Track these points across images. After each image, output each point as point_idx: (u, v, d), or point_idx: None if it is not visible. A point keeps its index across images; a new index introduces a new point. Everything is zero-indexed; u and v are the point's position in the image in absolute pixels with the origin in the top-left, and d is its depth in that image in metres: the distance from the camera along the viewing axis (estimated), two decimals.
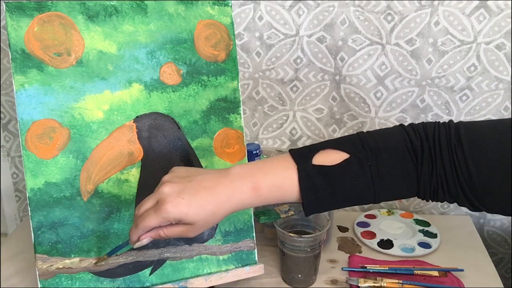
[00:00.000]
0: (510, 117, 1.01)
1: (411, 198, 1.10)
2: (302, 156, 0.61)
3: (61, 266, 0.72)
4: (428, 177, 0.58)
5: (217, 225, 0.79)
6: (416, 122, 1.03)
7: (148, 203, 0.60)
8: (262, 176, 0.59)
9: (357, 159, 0.59)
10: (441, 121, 0.60)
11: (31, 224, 0.70)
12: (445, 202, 0.60)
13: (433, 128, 0.59)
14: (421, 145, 0.58)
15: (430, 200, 0.60)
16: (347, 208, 1.13)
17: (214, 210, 0.58)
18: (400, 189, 0.60)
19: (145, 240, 0.61)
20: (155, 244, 0.76)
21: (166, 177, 0.61)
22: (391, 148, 0.59)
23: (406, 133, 0.60)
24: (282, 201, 0.62)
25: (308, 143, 1.11)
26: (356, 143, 0.60)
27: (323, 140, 1.09)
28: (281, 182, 0.60)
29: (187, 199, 0.57)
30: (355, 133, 0.62)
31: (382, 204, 1.12)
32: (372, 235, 0.99)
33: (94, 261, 0.73)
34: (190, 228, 0.59)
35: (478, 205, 0.57)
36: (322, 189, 0.59)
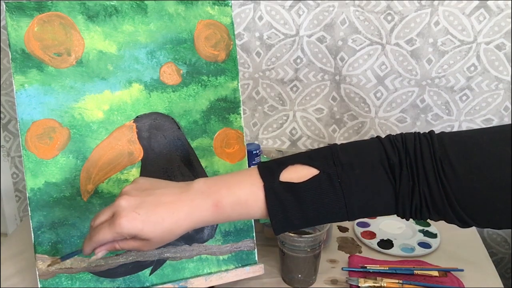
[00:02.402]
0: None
1: None
2: (269, 171, 0.57)
3: (61, 266, 0.72)
4: (407, 195, 0.54)
5: (217, 225, 0.79)
6: (416, 122, 1.04)
7: (104, 215, 0.58)
8: (225, 192, 0.56)
9: (327, 175, 0.55)
10: (422, 132, 0.56)
11: (31, 224, 0.70)
12: (430, 220, 0.56)
13: (413, 140, 0.54)
14: (399, 161, 0.54)
15: (412, 219, 0.56)
16: None
17: (171, 227, 0.55)
18: (375, 207, 0.56)
19: (100, 254, 0.58)
20: None
21: (125, 189, 0.58)
22: (364, 163, 0.55)
23: (383, 147, 0.55)
24: (247, 218, 0.59)
25: (308, 143, 1.11)
26: (327, 158, 0.56)
27: (323, 140, 1.10)
28: (245, 198, 0.56)
29: (143, 215, 0.54)
30: (327, 145, 0.58)
31: None
32: (372, 235, 0.99)
33: (48, 263, 0.69)
34: (145, 244, 0.56)
35: (468, 220, 0.54)
36: (290, 207, 0.55)
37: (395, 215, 0.56)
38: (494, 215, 0.52)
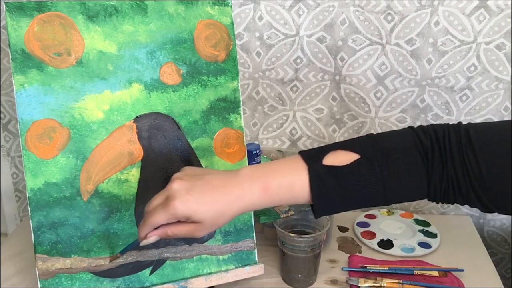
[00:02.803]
0: (511, 117, 1.01)
1: None
2: (312, 156, 0.60)
3: (61, 266, 0.72)
4: (438, 177, 0.58)
5: None
6: (416, 122, 1.04)
7: (158, 199, 0.59)
8: (272, 177, 0.59)
9: (367, 160, 0.59)
10: (450, 123, 0.60)
11: (31, 224, 0.70)
12: (456, 204, 0.59)
13: (442, 129, 0.59)
14: (431, 146, 0.58)
15: (440, 202, 0.60)
16: None
17: (223, 210, 0.58)
18: (411, 190, 0.60)
19: (151, 239, 0.60)
20: (155, 244, 0.76)
21: (176, 175, 0.60)
22: (401, 148, 0.59)
23: (416, 134, 0.60)
24: (292, 202, 0.61)
25: (308, 143, 1.11)
26: (366, 144, 0.60)
27: (323, 140, 1.10)
28: (291, 182, 0.59)
29: (196, 197, 0.57)
30: (365, 135, 0.63)
31: None
32: (372, 235, 0.99)
33: (107, 261, 0.73)
34: (198, 227, 0.58)
35: (489, 205, 0.57)
36: (332, 189, 0.59)
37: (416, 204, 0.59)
38: None
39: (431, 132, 0.59)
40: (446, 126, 0.59)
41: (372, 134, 0.63)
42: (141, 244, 0.62)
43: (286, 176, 0.59)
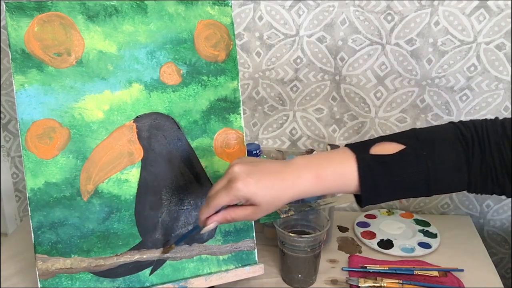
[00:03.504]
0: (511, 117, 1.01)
1: (411, 198, 1.10)
2: (359, 147, 0.64)
3: (61, 266, 0.72)
4: (478, 167, 0.61)
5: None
6: (416, 122, 1.04)
7: (220, 183, 0.63)
8: (324, 165, 0.63)
9: (413, 150, 0.62)
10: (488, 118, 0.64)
11: (31, 224, 0.70)
12: (494, 195, 0.62)
13: (480, 123, 0.63)
14: (471, 136, 0.61)
15: (478, 193, 0.63)
16: (347, 208, 1.14)
17: (279, 194, 0.61)
18: (453, 179, 0.62)
19: (212, 225, 0.64)
20: (155, 244, 0.76)
21: (235, 161, 0.64)
22: (443, 139, 0.62)
23: (456, 127, 0.64)
24: (341, 191, 0.64)
25: (308, 143, 1.11)
26: (410, 136, 0.64)
27: (323, 140, 1.10)
28: (341, 171, 0.62)
29: (255, 180, 0.60)
30: (408, 129, 0.66)
31: (382, 204, 1.12)
32: (372, 235, 0.99)
33: (160, 252, 0.76)
34: (255, 210, 0.62)
35: None
36: (379, 177, 0.61)
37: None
38: None
39: (471, 125, 0.63)
40: (484, 120, 0.63)
41: (415, 128, 0.66)
42: (202, 231, 0.65)
43: (336, 165, 0.63)
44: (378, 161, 0.62)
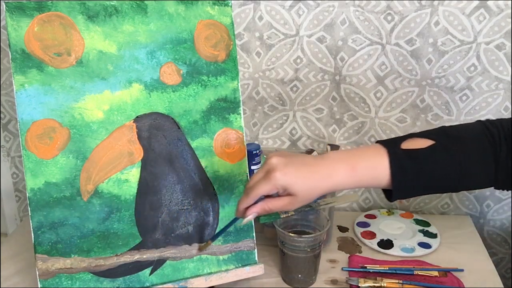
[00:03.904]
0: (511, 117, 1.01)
1: (411, 198, 1.10)
2: (390, 142, 0.66)
3: (61, 266, 0.72)
4: (505, 162, 0.62)
5: (217, 225, 0.79)
6: (416, 122, 1.04)
7: (258, 175, 0.65)
8: (357, 159, 0.65)
9: (442, 145, 0.64)
10: None
11: (31, 224, 0.70)
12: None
13: (507, 121, 0.65)
14: (498, 133, 0.64)
15: (505, 189, 0.65)
16: (347, 208, 1.14)
17: (315, 185, 0.64)
18: (481, 175, 0.64)
19: (251, 216, 0.66)
20: (155, 244, 0.76)
21: (272, 153, 0.66)
22: (472, 135, 0.65)
23: (483, 124, 0.66)
24: (373, 184, 0.66)
25: (308, 143, 1.11)
26: (439, 133, 0.66)
27: (323, 140, 1.10)
28: (374, 163, 0.64)
29: (293, 170, 0.63)
30: (436, 127, 0.68)
31: (382, 204, 1.12)
32: (372, 235, 0.99)
33: (196, 248, 0.77)
34: (292, 200, 0.64)
35: None
36: (410, 171, 0.63)
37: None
38: None
39: (497, 123, 0.65)
40: (511, 118, 0.66)
41: (444, 126, 0.68)
42: (243, 223, 0.67)
43: (369, 159, 0.65)
44: (409, 155, 0.64)
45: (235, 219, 0.72)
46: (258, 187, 0.64)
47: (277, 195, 0.65)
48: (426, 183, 0.65)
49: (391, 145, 0.65)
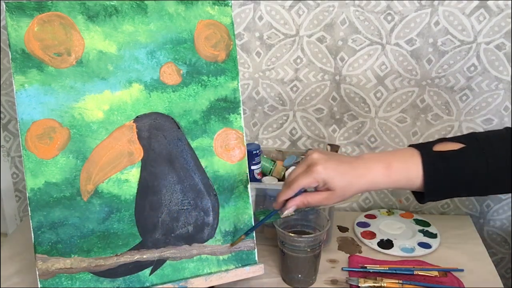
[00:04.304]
0: (496, 125, 1.01)
1: (411, 198, 1.10)
2: (422, 145, 0.69)
3: (61, 266, 0.72)
4: None
5: (217, 225, 0.79)
6: (416, 122, 1.04)
7: (299, 169, 0.69)
8: (391, 159, 0.68)
9: (473, 148, 0.66)
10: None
11: (31, 224, 0.70)
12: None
13: None
14: None
15: None
16: (347, 208, 1.14)
17: (353, 181, 0.67)
18: (509, 179, 0.66)
19: (291, 209, 0.70)
20: (155, 244, 0.76)
21: (312, 150, 0.70)
22: (500, 140, 0.67)
23: (510, 128, 0.70)
24: (406, 185, 0.68)
25: (308, 143, 1.11)
26: (470, 137, 0.69)
27: (323, 140, 1.10)
28: (408, 164, 0.67)
29: (333, 165, 0.67)
30: (466, 133, 0.72)
31: (382, 204, 1.12)
32: (372, 235, 0.99)
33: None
34: (330, 195, 0.68)
35: None
36: (442, 171, 0.66)
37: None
38: None
39: None
40: None
41: (473, 131, 0.72)
42: (283, 215, 0.71)
43: (403, 159, 0.68)
44: (440, 156, 0.66)
45: (273, 212, 0.74)
46: (299, 180, 0.68)
47: (315, 191, 0.69)
48: (457, 184, 0.66)
49: (423, 147, 0.68)
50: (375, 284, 0.82)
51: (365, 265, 0.88)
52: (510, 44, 0.96)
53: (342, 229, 1.03)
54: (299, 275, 0.83)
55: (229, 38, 0.79)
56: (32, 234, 0.70)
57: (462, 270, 0.86)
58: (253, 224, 0.80)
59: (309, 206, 0.70)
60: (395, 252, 0.93)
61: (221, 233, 0.79)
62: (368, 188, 0.68)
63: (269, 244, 0.92)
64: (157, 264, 0.76)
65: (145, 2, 0.75)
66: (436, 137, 1.05)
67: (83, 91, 0.72)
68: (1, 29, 1.08)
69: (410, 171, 0.67)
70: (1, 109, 1.13)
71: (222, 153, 0.79)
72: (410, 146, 0.70)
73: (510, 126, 0.93)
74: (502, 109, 1.01)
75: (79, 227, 0.72)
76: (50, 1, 0.70)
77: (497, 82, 0.99)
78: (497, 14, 0.94)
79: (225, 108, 0.79)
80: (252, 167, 0.96)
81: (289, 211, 0.70)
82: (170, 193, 0.77)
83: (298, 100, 1.07)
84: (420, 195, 0.69)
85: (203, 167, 0.78)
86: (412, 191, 0.71)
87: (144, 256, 0.75)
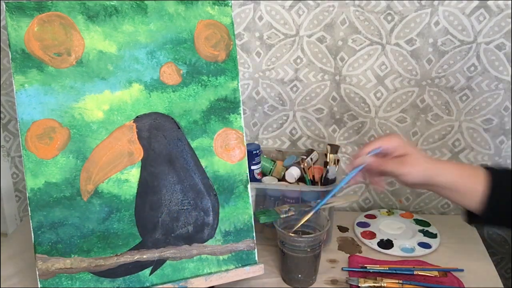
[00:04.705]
0: (496, 125, 1.01)
1: (411, 198, 1.10)
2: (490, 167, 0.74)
3: (61, 266, 0.72)
4: None
5: (217, 225, 0.79)
6: (416, 122, 1.04)
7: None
8: (459, 166, 0.78)
9: None
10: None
11: (31, 224, 0.70)
12: None
13: None
14: None
15: None
16: (347, 208, 1.14)
17: (427, 161, 0.74)
18: None
19: (366, 157, 0.75)
20: (155, 244, 0.76)
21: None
22: None
23: None
24: (466, 195, 0.73)
25: (308, 143, 1.11)
26: None
27: (323, 140, 1.10)
28: (470, 170, 0.74)
29: (415, 148, 0.77)
30: None
31: (382, 204, 1.12)
32: (372, 235, 0.99)
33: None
34: (400, 166, 0.73)
35: None
36: (502, 186, 0.70)
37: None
38: None
39: None
40: None
41: None
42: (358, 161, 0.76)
43: (471, 169, 0.75)
44: (506, 170, 0.73)
45: (349, 175, 0.78)
46: (385, 137, 0.75)
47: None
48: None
49: (489, 168, 0.73)
50: (375, 284, 0.82)
51: (365, 265, 0.88)
52: (510, 44, 0.96)
53: (342, 229, 1.03)
54: (299, 275, 0.83)
55: (229, 38, 0.79)
56: (32, 234, 0.70)
57: (462, 270, 0.86)
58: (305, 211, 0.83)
59: (380, 168, 0.74)
60: (395, 252, 0.93)
61: (221, 233, 0.79)
62: (434, 177, 0.72)
63: (269, 244, 0.92)
64: (157, 264, 0.76)
65: (145, 2, 0.75)
66: (436, 137, 1.05)
67: (83, 91, 0.72)
68: (1, 29, 1.08)
69: (472, 178, 0.72)
70: (1, 109, 1.13)
71: (222, 153, 0.79)
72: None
73: (510, 126, 0.94)
74: (502, 109, 1.01)
75: (79, 227, 0.72)
76: (50, 1, 0.70)
77: (497, 82, 0.99)
78: (497, 14, 0.94)
79: (225, 108, 0.79)
80: (252, 167, 0.96)
81: (364, 159, 0.75)
82: (170, 193, 0.77)
83: (298, 100, 1.07)
84: (473, 216, 0.74)
85: (203, 167, 0.78)
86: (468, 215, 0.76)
87: (144, 256, 0.75)
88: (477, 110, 1.02)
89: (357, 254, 0.93)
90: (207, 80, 0.78)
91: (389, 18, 0.98)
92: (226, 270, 0.79)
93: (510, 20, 0.94)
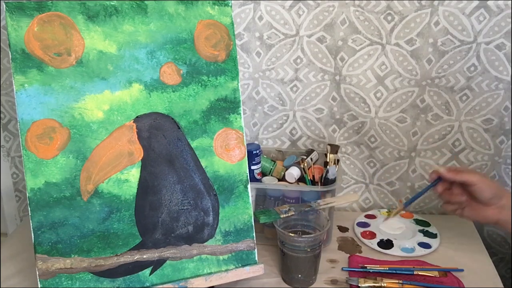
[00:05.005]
0: (496, 125, 1.02)
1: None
2: None
3: (61, 266, 0.72)
4: None
5: (217, 225, 0.79)
6: (416, 122, 1.04)
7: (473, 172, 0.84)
8: None
9: None
10: None
11: (31, 224, 0.70)
12: None
13: None
14: None
15: None
16: (347, 208, 1.14)
17: (493, 199, 0.80)
18: None
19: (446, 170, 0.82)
20: (155, 244, 0.76)
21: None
22: None
23: None
24: None
25: (308, 143, 1.11)
26: None
27: (323, 140, 1.10)
28: None
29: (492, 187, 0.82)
30: None
31: (382, 204, 1.12)
32: (372, 235, 0.99)
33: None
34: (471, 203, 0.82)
35: None
36: None
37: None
38: None
39: None
40: None
41: None
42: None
43: None
44: None
45: (434, 183, 0.84)
46: (468, 172, 0.81)
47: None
48: None
49: None
50: (375, 284, 0.82)
51: (365, 265, 0.88)
52: (510, 44, 0.96)
53: (342, 229, 1.03)
54: (299, 275, 0.83)
55: (229, 38, 0.79)
56: (32, 234, 0.70)
57: (462, 270, 0.86)
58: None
59: (455, 200, 0.82)
60: (395, 252, 0.93)
61: (221, 233, 0.79)
62: (499, 219, 0.80)
63: (269, 244, 0.92)
64: (157, 264, 0.76)
65: (145, 2, 0.75)
66: (436, 137, 1.05)
67: (83, 91, 0.72)
68: (1, 29, 1.08)
69: None
70: (1, 109, 1.13)
71: (222, 153, 0.79)
72: None
73: (510, 126, 0.94)
74: (502, 109, 1.01)
75: (79, 227, 0.72)
76: (50, 1, 0.70)
77: (497, 82, 0.99)
78: (497, 14, 0.94)
79: (225, 108, 0.79)
80: (252, 167, 0.96)
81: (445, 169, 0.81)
82: (170, 193, 0.77)
83: (298, 100, 1.07)
84: None
85: (203, 167, 0.78)
86: None
87: (144, 256, 0.75)
88: (477, 110, 1.02)
89: (357, 254, 0.93)
90: (207, 80, 0.78)
91: (389, 18, 0.98)
92: (226, 270, 0.79)
93: (510, 20, 0.94)
